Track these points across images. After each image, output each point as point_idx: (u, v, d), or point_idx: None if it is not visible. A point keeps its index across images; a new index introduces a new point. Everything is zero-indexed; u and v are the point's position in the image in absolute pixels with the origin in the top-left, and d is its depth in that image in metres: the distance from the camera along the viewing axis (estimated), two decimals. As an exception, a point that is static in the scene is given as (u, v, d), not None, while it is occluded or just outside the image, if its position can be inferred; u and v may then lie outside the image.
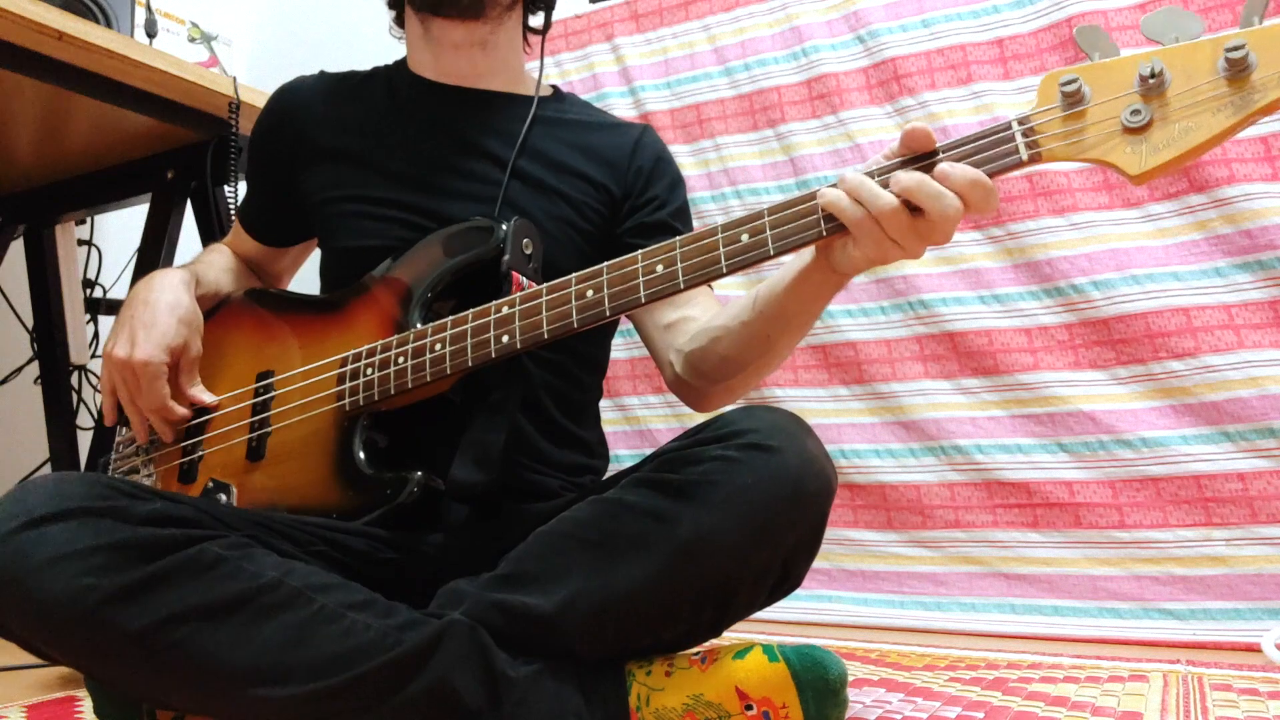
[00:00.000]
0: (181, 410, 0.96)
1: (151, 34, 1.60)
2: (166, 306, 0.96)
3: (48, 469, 1.73)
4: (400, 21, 1.09)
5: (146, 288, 0.99)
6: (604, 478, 1.07)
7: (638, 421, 1.93)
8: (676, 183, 1.08)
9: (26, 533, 0.66)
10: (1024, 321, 1.59)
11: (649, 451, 1.88)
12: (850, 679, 1.12)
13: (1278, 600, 1.36)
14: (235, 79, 1.49)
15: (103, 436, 1.45)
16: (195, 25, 2.41)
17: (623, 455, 1.92)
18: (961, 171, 0.67)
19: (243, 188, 1.54)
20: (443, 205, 0.98)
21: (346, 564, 0.82)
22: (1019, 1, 1.63)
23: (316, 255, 1.12)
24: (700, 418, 1.89)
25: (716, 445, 0.77)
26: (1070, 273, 1.55)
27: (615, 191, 1.03)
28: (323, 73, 1.11)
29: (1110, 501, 1.49)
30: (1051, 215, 1.57)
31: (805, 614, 1.63)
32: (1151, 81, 0.64)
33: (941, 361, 1.66)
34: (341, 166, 1.02)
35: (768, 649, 0.74)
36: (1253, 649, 1.28)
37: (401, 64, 1.09)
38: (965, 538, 1.60)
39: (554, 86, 1.12)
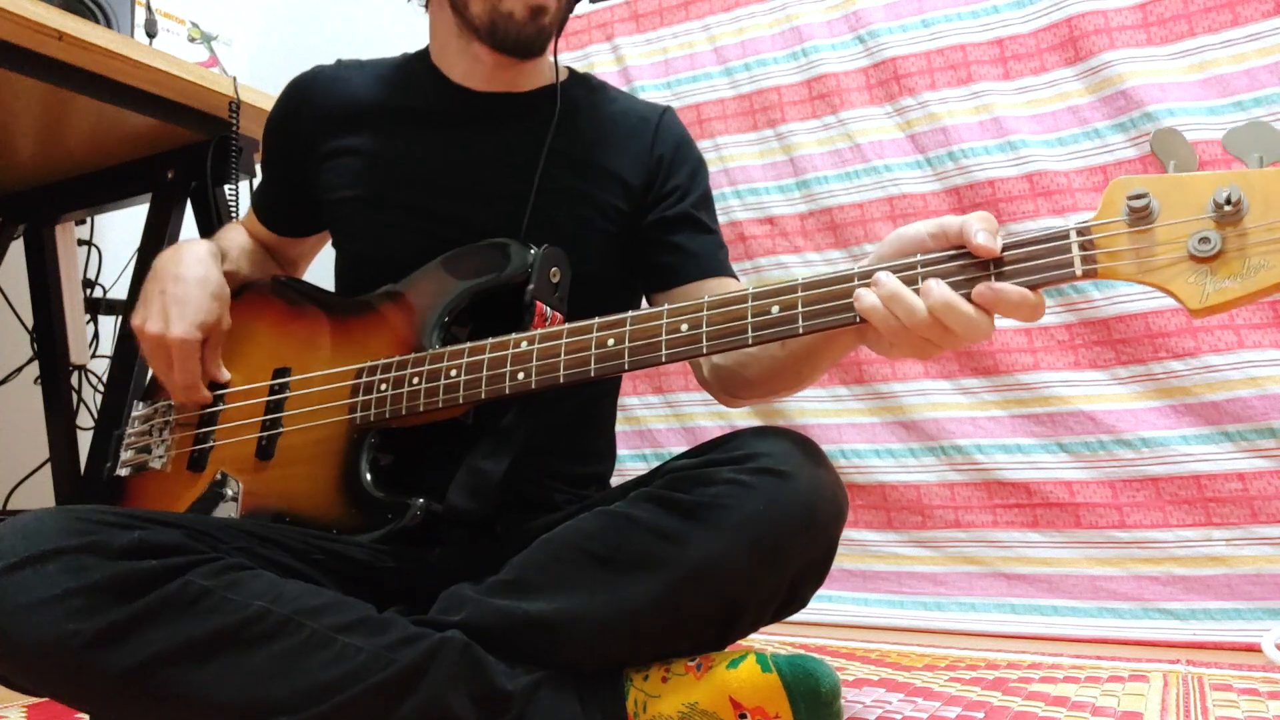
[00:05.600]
0: (206, 394, 0.96)
1: (151, 34, 1.60)
2: (198, 281, 0.94)
3: (48, 469, 1.73)
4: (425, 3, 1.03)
5: (175, 261, 0.96)
6: (609, 481, 1.06)
7: (638, 421, 1.93)
8: (698, 169, 1.04)
9: (4, 578, 0.64)
10: (1024, 321, 1.59)
11: (649, 451, 1.90)
12: (850, 679, 1.12)
13: (1278, 600, 1.36)
14: (235, 79, 1.49)
15: (103, 436, 1.45)
16: (195, 25, 2.41)
17: (623, 455, 1.92)
18: (1009, 294, 0.63)
19: (243, 188, 1.54)
20: (465, 212, 0.95)
21: (345, 573, 0.82)
22: (1019, 1, 1.63)
23: (329, 253, 1.11)
24: (704, 414, 1.91)
25: (729, 467, 0.76)
26: (1070, 273, 1.55)
27: (635, 184, 0.99)
28: (340, 61, 1.07)
29: (1110, 501, 1.49)
30: (1051, 215, 1.57)
31: (805, 614, 1.61)
32: (1228, 209, 0.58)
33: (941, 361, 1.66)
34: (358, 165, 0.99)
35: (761, 658, 0.74)
36: (1253, 649, 1.28)
37: (424, 56, 1.04)
38: (965, 538, 1.60)
39: (570, 69, 1.07)
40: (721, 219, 1.86)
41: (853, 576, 1.68)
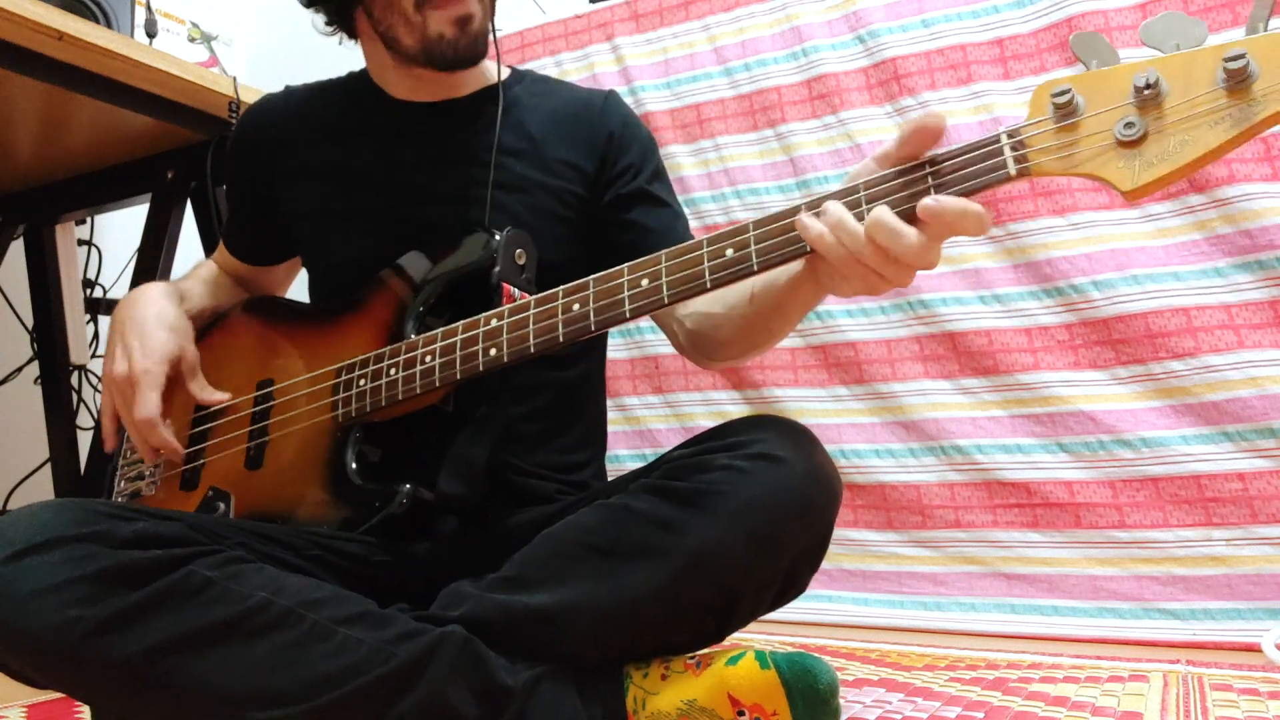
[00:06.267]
0: (168, 438, 0.93)
1: (151, 34, 1.60)
2: (154, 319, 0.96)
3: (48, 469, 1.73)
4: (350, 33, 1.03)
5: (130, 306, 0.98)
6: (607, 476, 1.06)
7: (638, 421, 1.93)
8: (648, 145, 1.06)
9: (8, 566, 0.64)
10: (1024, 321, 1.59)
11: (649, 451, 1.90)
12: (850, 679, 1.12)
13: (1278, 600, 1.36)
14: (235, 79, 1.49)
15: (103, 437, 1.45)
16: (195, 25, 2.41)
17: (623, 455, 1.92)
18: (951, 204, 0.64)
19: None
20: (426, 213, 0.97)
21: (343, 568, 0.82)
22: (1019, 1, 1.63)
23: (304, 275, 1.12)
24: (705, 408, 1.91)
25: (724, 454, 0.77)
26: (1070, 273, 1.55)
27: (589, 168, 1.01)
28: (289, 88, 1.09)
29: (1110, 501, 1.49)
30: (1051, 215, 1.57)
31: (805, 614, 1.63)
32: (1147, 93, 0.60)
33: (941, 361, 1.66)
34: (317, 182, 1.01)
35: (760, 655, 0.74)
36: (1253, 649, 1.28)
37: (366, 75, 1.06)
38: (965, 538, 1.60)
39: (512, 68, 1.08)
40: (721, 219, 1.88)
41: (853, 576, 1.68)
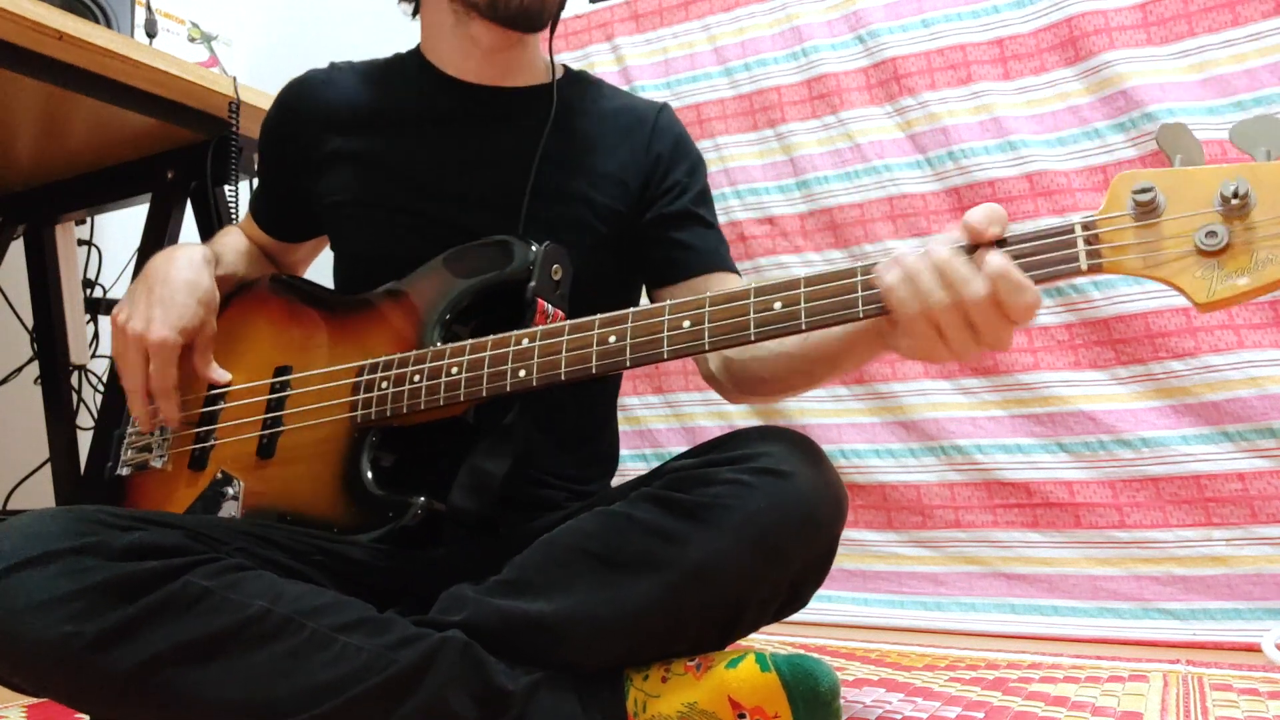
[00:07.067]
0: (173, 411, 0.94)
1: (151, 34, 1.60)
2: (186, 285, 0.93)
3: (48, 469, 1.73)
4: (414, 4, 1.03)
5: (166, 263, 0.96)
6: (611, 481, 1.06)
7: (638, 421, 1.93)
8: (696, 165, 1.05)
9: (4, 580, 0.64)
10: (1024, 321, 1.59)
11: (649, 451, 1.90)
12: (850, 679, 1.12)
13: (1278, 600, 1.36)
14: (235, 79, 1.49)
15: (103, 436, 1.45)
16: (195, 25, 2.41)
17: (623, 455, 1.90)
18: (1015, 272, 0.62)
19: (243, 188, 1.54)
20: (461, 213, 0.95)
21: (344, 574, 0.82)
22: (1019, 1, 1.63)
23: (328, 255, 1.11)
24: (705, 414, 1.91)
25: (729, 467, 0.76)
26: (1070, 273, 1.55)
27: (634, 184, 0.99)
28: (332, 64, 1.06)
29: (1110, 501, 1.49)
30: (1051, 215, 1.57)
31: (805, 614, 1.61)
32: (1234, 203, 0.57)
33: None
34: (354, 169, 0.99)
35: (760, 657, 0.74)
36: (1253, 649, 1.28)
37: (416, 52, 1.04)
38: (965, 538, 1.60)
39: (565, 67, 1.06)
40: (721, 219, 1.86)
41: (853, 576, 1.68)
